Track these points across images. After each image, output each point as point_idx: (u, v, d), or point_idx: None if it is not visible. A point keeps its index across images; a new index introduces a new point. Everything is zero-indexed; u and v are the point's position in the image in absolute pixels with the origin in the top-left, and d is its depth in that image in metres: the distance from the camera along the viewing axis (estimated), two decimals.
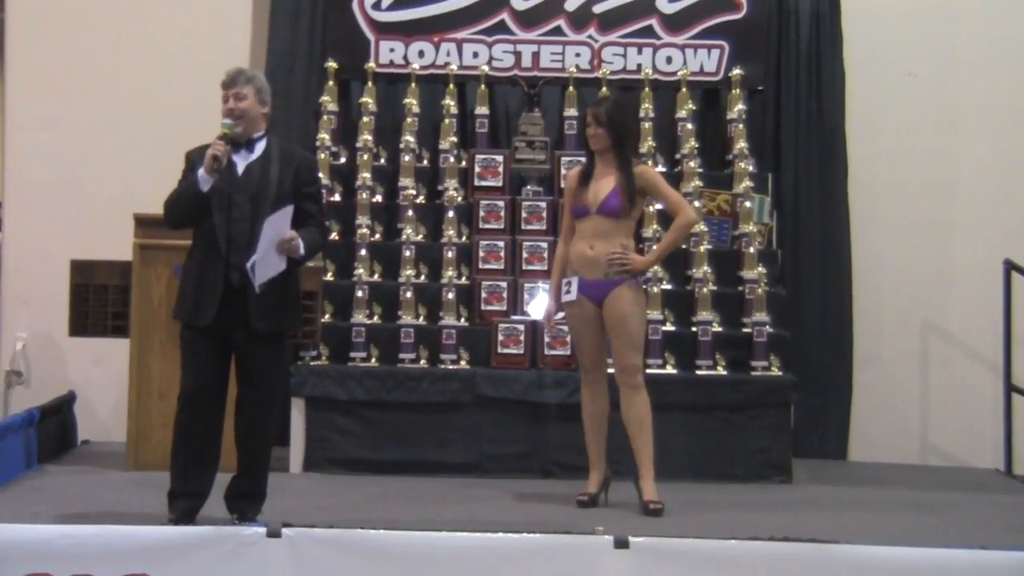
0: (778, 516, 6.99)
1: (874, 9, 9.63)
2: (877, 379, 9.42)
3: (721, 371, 8.33)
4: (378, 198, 9.08)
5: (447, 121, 9.32)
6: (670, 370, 8.30)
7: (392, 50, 9.55)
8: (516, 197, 9.00)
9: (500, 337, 8.32)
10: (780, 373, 8.30)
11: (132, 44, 9.53)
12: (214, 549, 5.12)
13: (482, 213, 8.90)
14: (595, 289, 6.99)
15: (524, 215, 8.90)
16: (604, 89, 9.25)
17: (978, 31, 9.59)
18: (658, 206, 8.23)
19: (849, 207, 9.44)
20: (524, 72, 9.48)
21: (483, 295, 8.56)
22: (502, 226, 8.87)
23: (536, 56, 9.54)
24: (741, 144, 9.08)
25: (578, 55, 9.52)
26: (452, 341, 8.36)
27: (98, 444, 8.94)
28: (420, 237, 8.81)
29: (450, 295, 8.47)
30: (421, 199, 9.08)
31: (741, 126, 9.20)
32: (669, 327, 8.46)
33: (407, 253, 8.60)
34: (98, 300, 8.21)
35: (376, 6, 9.54)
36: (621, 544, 5.14)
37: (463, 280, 8.65)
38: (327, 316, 8.46)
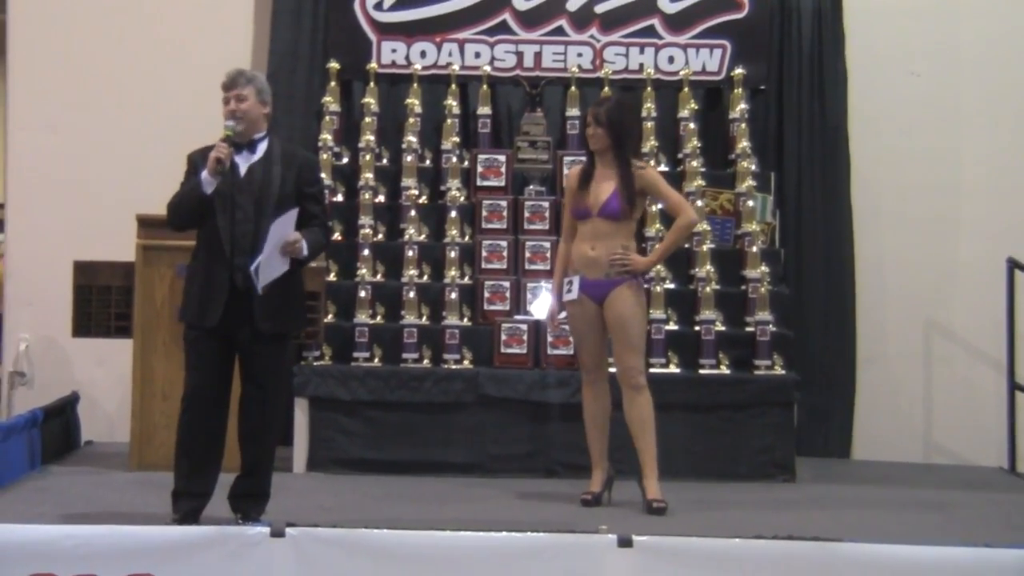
0: (782, 515, 6.99)
1: (876, 8, 9.63)
2: (880, 378, 9.42)
3: (724, 370, 8.33)
4: (381, 198, 9.09)
5: (449, 121, 9.32)
6: (673, 369, 8.31)
7: (394, 50, 9.56)
8: (519, 197, 9.00)
9: (503, 337, 8.32)
10: (783, 372, 8.30)
11: (134, 45, 9.54)
12: (218, 549, 5.12)
13: (485, 213, 8.90)
14: (596, 289, 7.00)
15: (527, 215, 8.90)
16: (607, 89, 9.26)
17: (980, 29, 9.59)
18: (660, 206, 8.22)
19: (852, 206, 9.44)
20: (526, 72, 9.48)
21: (486, 295, 8.56)
22: (505, 226, 8.87)
23: (538, 56, 9.54)
24: (743, 143, 9.08)
25: (580, 55, 9.53)
26: (455, 341, 8.36)
27: (101, 445, 8.95)
28: (423, 237, 8.82)
29: (453, 295, 8.47)
30: (424, 199, 9.09)
31: (743, 125, 9.20)
32: (672, 326, 8.45)
33: (410, 253, 8.60)
34: (101, 301, 8.21)
35: (378, 7, 9.55)
36: (625, 543, 5.14)
37: (466, 280, 8.65)
38: (330, 316, 8.47)
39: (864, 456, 9.31)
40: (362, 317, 8.40)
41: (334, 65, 9.42)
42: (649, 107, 9.32)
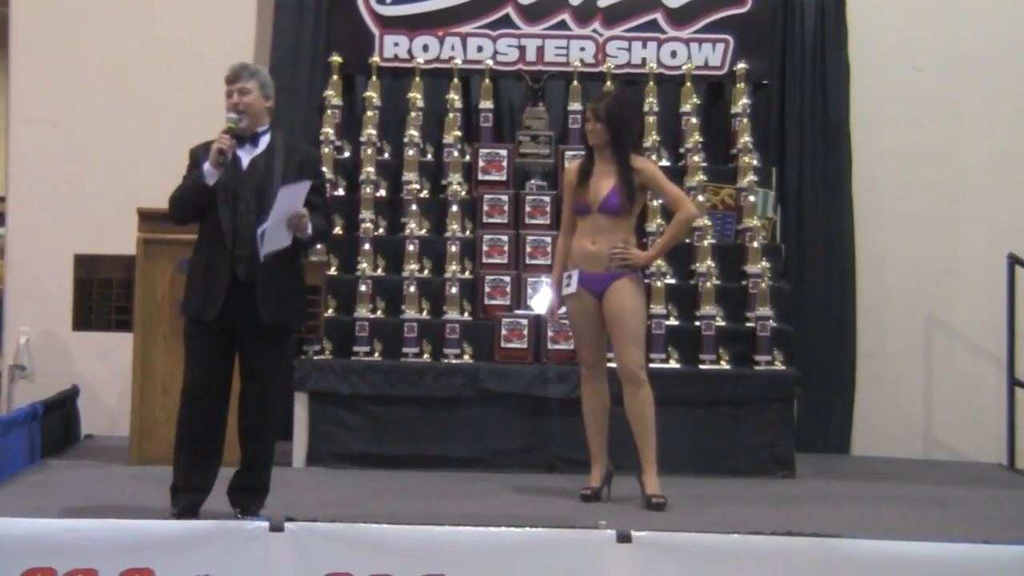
0: (781, 510, 6.99)
1: (879, 3, 9.63)
2: (881, 373, 9.42)
3: (724, 365, 8.33)
4: (382, 192, 9.08)
5: (451, 115, 9.32)
6: (673, 364, 8.31)
7: (396, 44, 9.55)
8: (520, 191, 8.99)
9: (503, 331, 8.32)
10: (783, 368, 8.30)
11: (136, 39, 9.53)
12: (217, 543, 5.12)
13: (486, 207, 8.90)
14: (596, 283, 6.99)
15: (528, 209, 8.89)
16: (608, 83, 9.25)
17: (983, 25, 9.58)
18: (661, 200, 8.22)
19: (853, 201, 9.44)
20: (528, 66, 9.48)
21: (487, 289, 8.56)
22: (506, 220, 8.87)
23: (540, 50, 9.54)
24: (745, 138, 9.08)
25: (583, 49, 9.52)
26: (455, 335, 8.35)
27: (101, 438, 8.95)
28: (424, 231, 8.82)
29: (453, 289, 8.47)
30: (425, 193, 9.08)
31: (745, 120, 9.20)
32: (673, 321, 8.45)
33: (411, 247, 8.60)
34: (102, 294, 8.21)
35: (380, 0, 9.54)
36: (624, 538, 5.14)
37: (467, 274, 8.65)
38: (330, 310, 8.47)
39: (864, 452, 9.31)
40: (362, 311, 8.40)
41: (336, 59, 9.42)
42: (651, 101, 9.32)
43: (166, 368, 7.95)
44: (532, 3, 9.54)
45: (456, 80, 9.44)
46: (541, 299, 8.31)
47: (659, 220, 8.61)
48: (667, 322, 8.39)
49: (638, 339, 7.03)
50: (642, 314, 7.12)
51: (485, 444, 8.16)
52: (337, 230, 8.72)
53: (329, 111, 9.30)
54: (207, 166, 6.10)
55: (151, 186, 8.93)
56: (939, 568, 5.18)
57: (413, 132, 9.15)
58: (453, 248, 8.63)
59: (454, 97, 9.37)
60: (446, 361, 8.30)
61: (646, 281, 7.89)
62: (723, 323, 8.48)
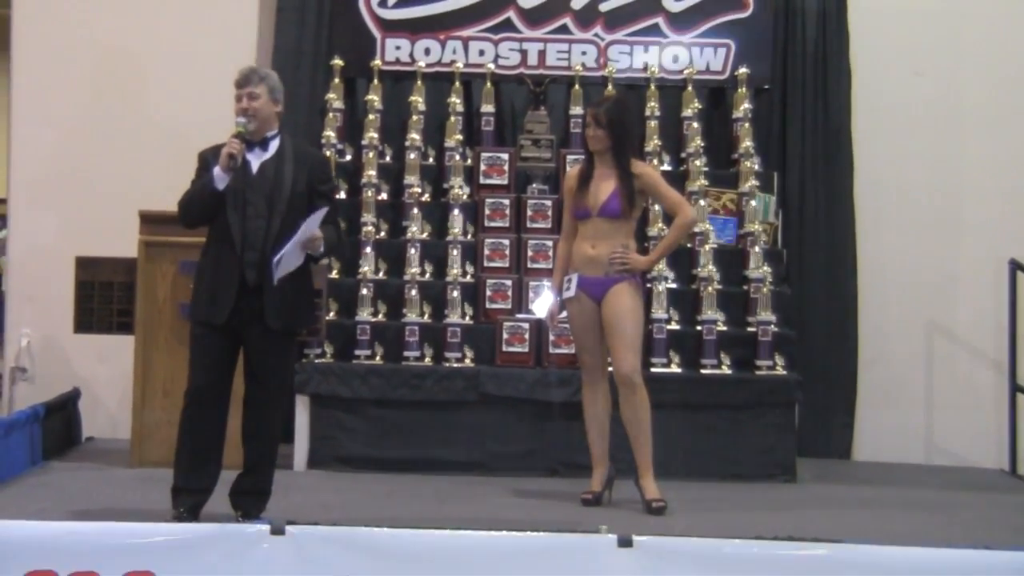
0: (782, 515, 6.99)
1: (881, 8, 9.62)
2: (882, 378, 9.41)
3: (726, 370, 8.33)
4: (383, 196, 9.09)
5: (453, 119, 9.32)
6: (675, 369, 8.30)
7: (398, 48, 9.56)
8: (521, 195, 8.99)
9: (505, 335, 8.32)
10: (785, 372, 8.30)
11: (138, 42, 9.53)
12: (218, 546, 5.11)
13: (487, 211, 8.90)
14: (595, 287, 7.00)
15: (529, 213, 8.90)
16: (610, 87, 9.25)
17: (984, 31, 9.58)
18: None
19: (855, 206, 9.44)
20: (530, 70, 9.48)
21: (488, 293, 8.56)
22: (507, 224, 8.87)
23: (542, 54, 9.54)
24: (747, 143, 9.08)
25: (584, 53, 9.52)
26: (457, 339, 8.36)
27: (103, 441, 8.95)
28: (425, 235, 8.82)
29: (455, 293, 8.47)
30: (426, 197, 9.09)
31: (747, 125, 9.20)
32: (674, 326, 8.45)
33: (412, 251, 8.60)
34: (103, 297, 8.23)
35: (382, 4, 9.55)
36: (625, 543, 5.13)
37: (468, 278, 8.65)
38: (332, 314, 8.47)
39: (865, 457, 9.31)
40: (364, 315, 8.40)
41: (338, 62, 9.42)
42: (653, 106, 9.32)
43: (167, 371, 7.95)
44: (534, 7, 9.55)
45: (458, 84, 9.45)
46: (542, 303, 8.31)
47: (660, 224, 8.61)
48: (668, 326, 8.39)
49: (635, 343, 7.02)
50: (639, 318, 7.12)
51: (486, 448, 8.16)
52: None
53: (331, 114, 9.31)
54: (217, 170, 6.11)
55: (152, 189, 8.95)
56: (941, 573, 5.17)
57: (415, 135, 9.16)
58: (454, 252, 8.63)
59: (456, 101, 9.38)
60: (447, 365, 8.30)
61: (647, 285, 7.89)
62: (724, 327, 8.48)
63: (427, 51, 9.55)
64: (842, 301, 9.38)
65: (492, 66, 9.45)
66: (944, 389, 9.44)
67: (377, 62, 9.47)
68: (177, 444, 6.28)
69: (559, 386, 8.10)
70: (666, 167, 9.03)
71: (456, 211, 8.78)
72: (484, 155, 9.15)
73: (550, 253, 8.58)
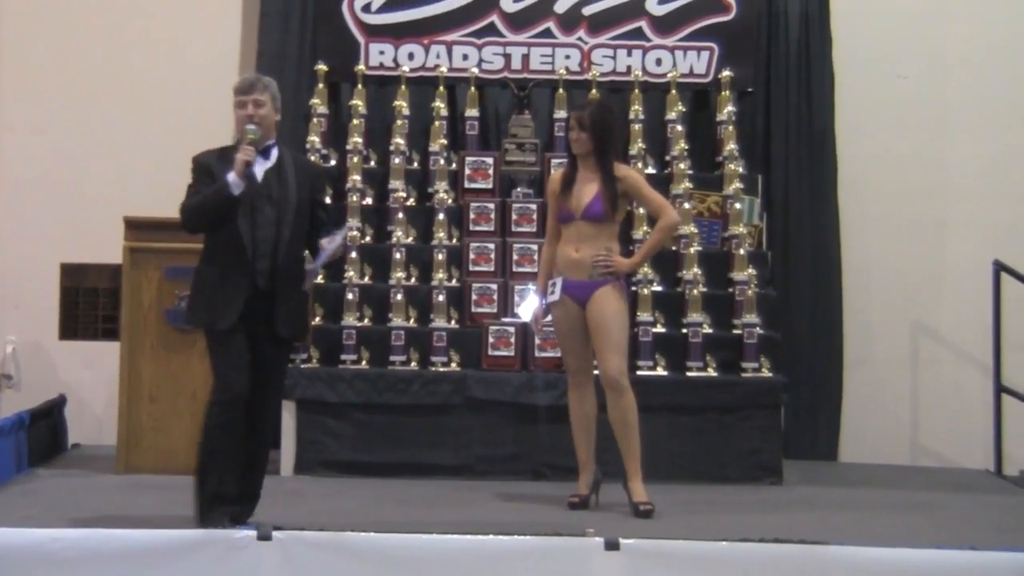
0: (769, 517, 7.00)
1: (863, 11, 9.64)
2: (867, 380, 9.43)
3: (712, 372, 8.34)
4: (368, 200, 9.08)
5: (437, 123, 9.32)
6: (661, 372, 8.31)
7: (382, 52, 9.55)
8: (506, 199, 9.00)
9: (491, 339, 8.32)
10: (771, 374, 8.31)
11: (123, 47, 9.53)
12: (205, 552, 5.12)
13: (472, 215, 8.90)
14: (579, 290, 7.00)
15: (514, 217, 8.89)
16: (594, 91, 9.26)
17: (967, 32, 9.61)
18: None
19: (839, 208, 9.45)
20: (514, 74, 9.48)
21: (473, 297, 8.56)
22: (492, 228, 8.87)
23: (526, 58, 9.54)
24: (731, 146, 9.09)
25: (568, 57, 9.52)
26: (443, 343, 8.35)
27: (89, 447, 8.92)
28: (410, 239, 8.82)
29: (440, 297, 8.47)
30: (411, 201, 9.09)
31: (731, 128, 9.21)
32: (660, 329, 8.45)
33: (397, 255, 8.60)
34: (88, 303, 8.22)
35: (366, 8, 9.54)
36: (612, 546, 5.15)
37: (453, 282, 8.65)
38: (318, 318, 8.46)
39: (851, 458, 9.32)
40: (350, 319, 8.40)
41: (322, 67, 9.41)
42: (636, 109, 9.32)
43: (153, 377, 7.96)
44: (517, 11, 9.55)
45: (442, 88, 9.44)
46: (527, 306, 8.30)
47: (645, 227, 8.61)
48: (654, 329, 8.39)
49: (620, 346, 7.03)
50: (625, 321, 7.12)
51: (472, 451, 8.16)
52: None
53: (315, 119, 9.30)
54: (232, 177, 6.08)
55: (137, 194, 8.98)
56: (926, 574, 5.20)
57: (399, 140, 9.15)
58: (440, 256, 8.63)
59: (440, 105, 9.37)
60: (433, 369, 8.30)
61: (632, 288, 7.90)
62: (710, 330, 8.49)
63: (411, 56, 9.54)
64: (827, 303, 9.40)
65: (476, 70, 9.45)
66: (929, 390, 9.46)
67: (361, 67, 9.47)
68: (209, 452, 6.13)
69: (545, 390, 8.10)
70: (650, 170, 9.03)
71: (441, 215, 8.77)
72: (469, 159, 9.15)
73: (535, 257, 8.57)
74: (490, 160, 9.14)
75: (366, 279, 8.70)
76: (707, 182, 9.15)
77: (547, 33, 9.55)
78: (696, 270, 8.53)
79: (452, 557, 5.19)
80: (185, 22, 9.58)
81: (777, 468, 8.19)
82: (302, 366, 8.21)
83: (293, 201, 6.21)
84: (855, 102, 9.55)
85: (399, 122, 9.27)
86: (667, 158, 9.26)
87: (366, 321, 8.53)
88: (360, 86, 9.44)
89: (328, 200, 8.87)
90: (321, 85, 9.40)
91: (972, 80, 9.59)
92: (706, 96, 9.61)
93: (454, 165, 9.19)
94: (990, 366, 9.10)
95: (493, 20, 9.55)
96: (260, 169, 6.22)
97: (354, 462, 8.12)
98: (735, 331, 8.49)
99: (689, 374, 8.33)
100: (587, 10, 9.54)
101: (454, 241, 8.84)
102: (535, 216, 8.84)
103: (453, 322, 8.50)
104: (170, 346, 7.98)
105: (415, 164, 9.32)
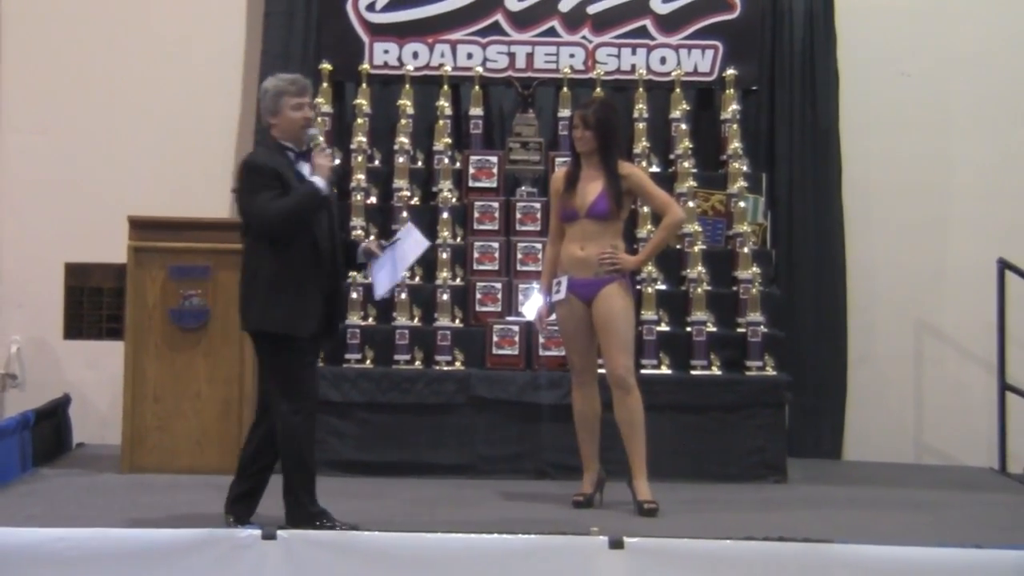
0: (773, 516, 7.00)
1: (868, 9, 9.63)
2: (871, 378, 9.43)
3: (716, 371, 8.34)
4: (372, 200, 9.08)
5: (441, 122, 9.32)
6: (665, 370, 8.31)
7: (386, 52, 9.55)
8: (510, 198, 9.00)
9: (495, 338, 8.32)
10: (775, 373, 8.31)
11: (126, 47, 9.53)
12: (209, 551, 5.13)
13: (476, 214, 8.90)
14: (585, 288, 7.00)
15: (518, 216, 8.89)
16: (598, 90, 9.26)
17: (971, 30, 9.60)
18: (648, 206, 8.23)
19: (843, 207, 9.45)
20: (518, 73, 9.47)
21: (478, 296, 8.56)
22: (496, 227, 8.87)
23: (530, 57, 9.54)
24: (735, 144, 9.09)
25: (572, 56, 9.52)
26: (447, 342, 8.36)
27: (93, 447, 8.93)
28: None
29: (444, 296, 8.47)
30: (415, 200, 9.09)
31: (735, 126, 9.21)
32: (664, 327, 8.46)
33: None
34: (92, 303, 8.22)
35: (370, 8, 9.54)
36: (616, 545, 5.16)
37: (458, 281, 8.66)
38: None
39: (855, 457, 9.32)
40: (354, 319, 8.40)
41: (326, 66, 9.41)
42: (641, 108, 9.32)
43: (157, 376, 7.97)
44: (521, 10, 9.55)
45: (446, 87, 9.44)
46: (531, 305, 8.30)
47: (649, 226, 8.60)
48: (658, 328, 8.39)
49: (627, 345, 7.04)
50: (631, 319, 7.13)
51: (476, 451, 8.16)
52: None
53: (319, 119, 9.28)
54: (320, 180, 6.17)
55: (142, 194, 8.99)
56: (930, 572, 5.20)
57: (403, 139, 9.15)
58: (444, 255, 8.63)
59: (444, 104, 9.37)
60: (437, 368, 8.31)
61: (636, 287, 7.90)
62: (714, 329, 8.49)
63: (415, 55, 9.54)
64: (831, 301, 9.39)
65: (480, 69, 9.45)
66: (933, 388, 9.46)
67: (365, 66, 9.46)
68: (307, 456, 6.21)
69: (549, 388, 8.10)
70: (654, 169, 9.04)
71: (445, 214, 8.78)
72: (473, 158, 9.15)
73: (539, 256, 8.57)
74: (494, 159, 9.14)
75: (369, 279, 8.69)
76: (711, 180, 9.15)
77: (551, 32, 9.55)
78: (700, 268, 8.53)
79: (456, 556, 5.20)
80: (189, 21, 9.58)
81: (781, 466, 8.19)
82: None
83: (335, 203, 6.37)
84: (859, 101, 9.54)
85: (403, 121, 9.27)
86: (671, 156, 9.26)
87: (370, 320, 8.53)
88: (364, 85, 9.44)
89: None
90: (325, 84, 9.40)
91: (976, 78, 9.58)
92: (710, 94, 9.61)
93: (458, 164, 9.19)
94: (994, 364, 9.10)
95: (497, 19, 9.55)
96: (307, 175, 6.26)
97: (358, 461, 8.13)
98: (739, 329, 8.49)
99: (693, 372, 8.33)
100: (591, 9, 9.54)
101: (458, 240, 8.85)
102: (539, 215, 8.84)
103: (457, 321, 8.50)
104: (174, 346, 7.99)
105: (419, 163, 9.32)
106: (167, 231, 8.05)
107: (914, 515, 7.31)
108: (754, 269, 8.57)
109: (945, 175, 9.59)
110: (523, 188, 9.07)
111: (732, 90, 9.34)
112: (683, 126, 9.26)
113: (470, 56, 9.53)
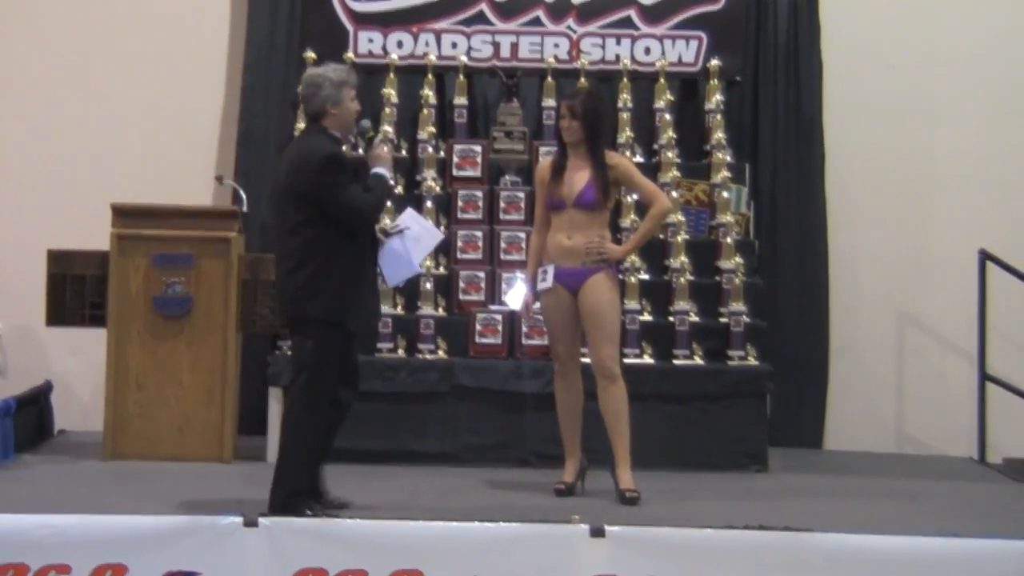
0: (754, 505, 7.03)
1: (851, 0, 9.64)
2: (853, 368, 9.45)
3: (698, 361, 8.36)
4: None
5: (425, 111, 9.31)
6: (647, 360, 8.33)
7: (371, 41, 9.54)
8: (494, 187, 9.00)
9: (478, 327, 8.33)
10: (757, 363, 8.33)
11: (109, 33, 9.49)
12: (191, 538, 5.13)
13: (460, 203, 8.90)
14: (571, 277, 7.01)
15: (502, 205, 8.90)
16: (583, 80, 9.26)
17: (955, 22, 9.62)
18: (636, 196, 8.24)
19: (826, 197, 9.47)
20: (503, 63, 9.47)
21: (461, 285, 8.57)
22: (480, 216, 8.88)
23: (515, 47, 9.54)
24: (719, 135, 9.10)
25: (556, 46, 9.52)
26: (430, 331, 8.36)
27: (75, 434, 8.91)
28: None
29: (428, 285, 8.47)
30: (399, 189, 9.06)
31: (719, 117, 9.22)
32: (646, 317, 8.47)
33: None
34: (75, 290, 8.17)
35: None
36: (597, 533, 5.17)
37: (441, 270, 8.65)
38: None
39: (836, 446, 9.35)
40: None
41: (310, 55, 9.37)
42: (625, 98, 9.33)
43: (140, 363, 7.96)
44: (506, 0, 9.55)
45: (430, 76, 9.43)
46: (515, 294, 8.31)
47: (633, 216, 8.62)
48: (641, 317, 8.41)
49: (613, 335, 7.06)
50: (617, 310, 7.16)
51: (459, 439, 8.17)
52: None
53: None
54: (386, 171, 6.28)
55: (124, 181, 8.96)
56: (910, 562, 5.22)
57: (387, 128, 9.14)
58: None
59: (428, 93, 9.37)
60: (420, 356, 8.31)
61: (620, 276, 7.91)
62: (697, 319, 8.50)
63: (399, 44, 9.53)
64: (813, 291, 9.42)
65: (465, 59, 9.45)
66: (914, 378, 9.49)
67: (350, 55, 9.44)
68: (306, 446, 6.29)
69: (532, 377, 8.12)
70: (638, 159, 9.02)
71: (429, 203, 8.77)
72: (457, 147, 9.15)
73: (523, 245, 8.57)
74: (478, 148, 9.14)
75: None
76: (695, 171, 9.17)
77: (536, 22, 9.54)
78: (683, 258, 8.55)
79: (438, 544, 5.21)
80: (173, 9, 9.55)
81: (762, 456, 8.22)
82: (288, 353, 8.20)
83: None
84: (843, 92, 9.56)
85: (387, 110, 9.26)
86: (655, 147, 9.27)
87: None
88: None
89: None
90: None
91: (960, 70, 9.60)
92: (694, 85, 9.62)
93: (442, 153, 9.19)
94: (975, 355, 9.14)
95: (482, 8, 9.54)
96: None
97: (341, 449, 8.02)
98: (722, 319, 8.50)
99: (675, 362, 8.35)
100: None
101: (442, 229, 8.84)
102: (523, 204, 8.85)
103: (440, 310, 8.50)
104: (157, 333, 7.99)
105: (403, 152, 9.31)
106: (150, 219, 8.03)
107: (894, 504, 7.34)
108: (737, 259, 8.58)
109: (928, 167, 9.62)
110: (507, 177, 9.08)
111: (716, 81, 9.36)
112: (667, 116, 9.27)
113: (455, 45, 9.52)
